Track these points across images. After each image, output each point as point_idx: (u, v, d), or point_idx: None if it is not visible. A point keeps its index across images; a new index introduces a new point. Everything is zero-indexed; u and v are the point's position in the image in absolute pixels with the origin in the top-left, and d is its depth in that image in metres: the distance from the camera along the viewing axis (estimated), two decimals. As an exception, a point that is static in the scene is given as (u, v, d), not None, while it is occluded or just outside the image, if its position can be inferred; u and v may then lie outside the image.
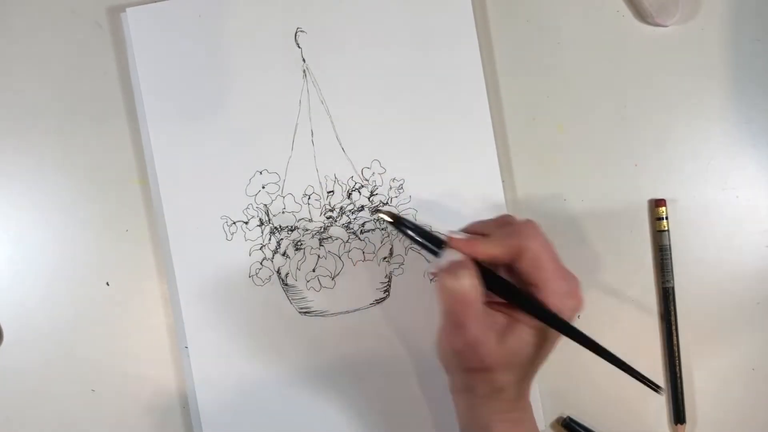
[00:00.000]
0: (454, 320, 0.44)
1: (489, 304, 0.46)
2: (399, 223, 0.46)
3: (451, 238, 0.45)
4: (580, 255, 0.56)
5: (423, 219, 0.55)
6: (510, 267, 0.45)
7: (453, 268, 0.44)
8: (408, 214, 0.55)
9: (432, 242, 0.46)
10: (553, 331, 0.45)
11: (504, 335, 0.45)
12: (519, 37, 0.56)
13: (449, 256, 0.45)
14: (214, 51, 0.55)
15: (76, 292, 0.56)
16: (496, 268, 0.46)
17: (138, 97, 0.55)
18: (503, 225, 0.47)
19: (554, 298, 0.44)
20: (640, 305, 0.56)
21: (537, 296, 0.44)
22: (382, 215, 0.47)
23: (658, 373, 0.56)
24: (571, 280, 0.45)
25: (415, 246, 0.47)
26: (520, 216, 0.49)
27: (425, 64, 0.55)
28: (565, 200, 0.56)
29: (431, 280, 0.54)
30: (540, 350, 0.45)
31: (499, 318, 0.45)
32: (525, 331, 0.45)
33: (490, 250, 0.44)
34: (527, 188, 0.56)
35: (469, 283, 0.43)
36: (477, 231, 0.46)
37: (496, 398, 0.45)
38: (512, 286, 0.45)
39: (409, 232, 0.46)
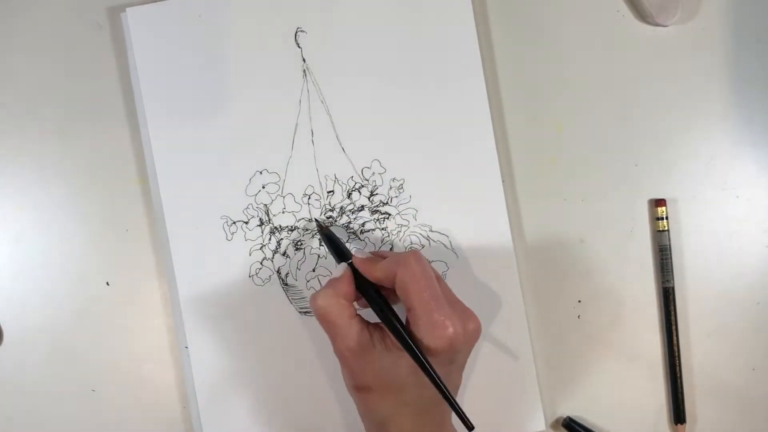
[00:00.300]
0: (327, 334, 0.48)
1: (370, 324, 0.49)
2: (322, 231, 0.52)
3: (354, 255, 0.49)
4: (580, 255, 0.56)
5: (423, 219, 0.55)
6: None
7: (323, 288, 0.48)
8: (408, 214, 0.55)
9: (339, 254, 0.50)
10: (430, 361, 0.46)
11: (379, 354, 0.47)
12: (519, 37, 0.56)
13: (336, 271, 0.49)
14: (214, 51, 0.55)
15: (76, 292, 0.56)
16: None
17: (138, 97, 0.55)
18: (396, 254, 0.49)
19: (420, 326, 0.45)
20: (640, 305, 0.56)
21: (411, 320, 0.46)
22: (317, 221, 0.54)
23: (658, 373, 0.56)
24: (448, 313, 0.45)
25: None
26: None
27: (426, 63, 0.55)
28: (565, 200, 0.56)
29: None
30: (418, 376, 0.46)
31: (375, 337, 0.48)
32: (398, 353, 0.46)
33: (374, 272, 0.48)
34: (527, 188, 0.56)
35: (327, 299, 0.47)
36: (381, 254, 0.50)
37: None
38: (384, 309, 0.47)
39: (329, 243, 0.51)
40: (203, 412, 0.55)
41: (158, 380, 0.56)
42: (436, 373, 0.45)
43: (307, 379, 0.55)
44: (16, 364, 0.56)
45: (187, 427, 0.56)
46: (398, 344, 0.46)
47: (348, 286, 0.48)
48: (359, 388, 0.48)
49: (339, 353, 0.48)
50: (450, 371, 0.47)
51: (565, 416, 0.56)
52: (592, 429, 0.55)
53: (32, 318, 0.56)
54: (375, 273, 0.48)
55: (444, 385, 0.45)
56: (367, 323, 0.48)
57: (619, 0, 0.56)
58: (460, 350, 0.46)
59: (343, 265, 0.49)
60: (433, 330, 0.44)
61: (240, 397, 0.55)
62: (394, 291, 0.47)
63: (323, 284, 0.54)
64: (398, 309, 0.48)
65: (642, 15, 0.56)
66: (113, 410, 0.56)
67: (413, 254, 0.47)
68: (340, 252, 0.50)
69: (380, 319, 0.47)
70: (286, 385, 0.55)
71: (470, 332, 0.47)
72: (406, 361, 0.46)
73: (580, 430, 0.55)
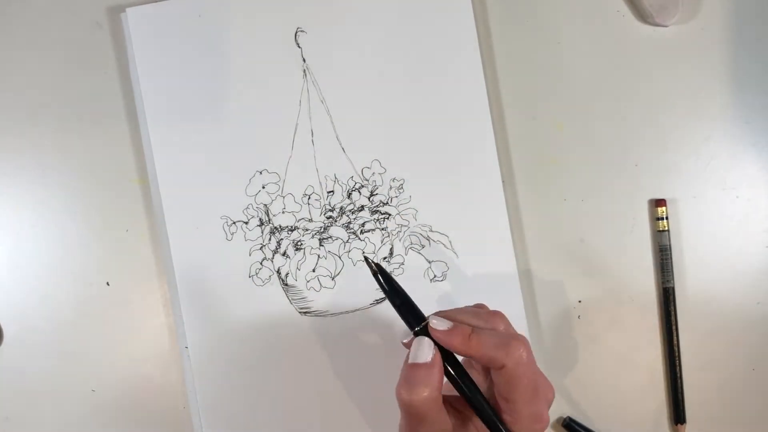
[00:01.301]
0: (408, 424, 0.41)
1: (447, 398, 0.43)
2: (388, 283, 0.43)
3: (430, 326, 0.41)
4: (580, 255, 0.56)
5: (423, 219, 0.55)
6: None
7: (411, 377, 0.40)
8: (408, 214, 0.55)
9: (413, 318, 0.43)
10: None
11: None
12: (519, 37, 0.56)
13: (418, 348, 0.41)
14: (214, 51, 0.55)
15: (76, 292, 0.56)
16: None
17: (138, 97, 0.55)
18: (489, 320, 0.43)
19: (521, 421, 0.41)
20: (640, 305, 0.56)
21: (507, 411, 0.42)
22: (369, 266, 0.44)
23: (658, 373, 0.56)
24: (542, 400, 0.42)
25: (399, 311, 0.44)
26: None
27: (425, 63, 0.55)
28: (565, 200, 0.56)
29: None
30: None
31: (455, 417, 0.43)
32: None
33: (469, 349, 0.41)
34: (527, 188, 0.56)
35: (423, 397, 0.40)
36: (460, 319, 0.43)
37: None
38: (476, 393, 0.42)
39: (396, 300, 0.43)
40: (203, 413, 0.55)
41: (158, 380, 0.56)
42: None
43: (308, 380, 0.55)
44: (16, 364, 0.56)
45: (187, 427, 0.56)
46: (481, 427, 0.43)
47: (442, 375, 0.41)
48: None
49: None
50: None
51: (565, 416, 0.56)
52: (592, 429, 0.55)
53: (32, 318, 0.56)
54: (469, 350, 0.41)
55: None
56: (452, 410, 0.44)
57: (619, 0, 0.56)
58: None
59: (431, 345, 0.41)
60: (532, 425, 0.41)
61: (240, 397, 0.55)
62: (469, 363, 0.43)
63: (323, 284, 0.54)
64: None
65: (642, 15, 0.56)
66: (113, 410, 0.56)
67: (521, 342, 0.41)
68: (414, 313, 0.43)
69: (472, 407, 0.42)
70: (286, 385, 0.55)
71: (550, 404, 0.44)
72: None
73: (580, 430, 0.55)
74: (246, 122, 0.55)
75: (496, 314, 0.44)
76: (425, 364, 0.41)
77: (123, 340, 0.56)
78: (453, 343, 0.41)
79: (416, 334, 0.42)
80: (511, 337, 0.41)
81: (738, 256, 0.56)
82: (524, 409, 0.41)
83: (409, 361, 0.41)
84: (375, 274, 0.43)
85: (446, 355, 0.41)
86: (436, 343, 0.41)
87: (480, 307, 0.47)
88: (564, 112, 0.56)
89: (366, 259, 0.44)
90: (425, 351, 0.41)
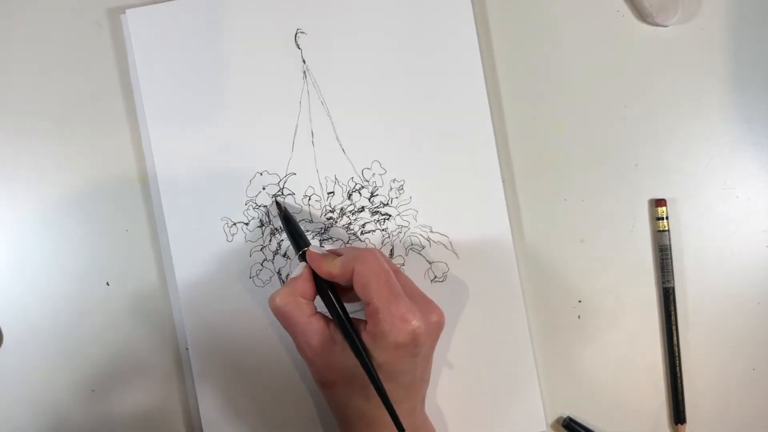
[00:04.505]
0: (289, 333, 0.49)
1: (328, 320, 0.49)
2: (283, 214, 0.52)
3: (307, 250, 0.49)
4: (580, 255, 0.56)
5: (423, 220, 0.55)
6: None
7: (283, 288, 0.48)
8: (408, 215, 0.55)
9: (296, 243, 0.50)
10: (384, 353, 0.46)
11: (344, 351, 0.47)
12: (519, 37, 0.56)
13: (296, 269, 0.49)
14: (214, 52, 0.55)
15: (76, 292, 0.56)
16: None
17: (138, 97, 0.55)
18: (353, 250, 0.49)
19: (381, 321, 0.45)
20: (640, 305, 0.56)
21: (370, 315, 0.46)
22: (277, 201, 0.54)
23: (658, 373, 0.56)
24: (409, 305, 0.46)
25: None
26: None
27: (425, 64, 0.55)
28: (565, 200, 0.56)
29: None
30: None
31: (334, 334, 0.48)
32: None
33: (329, 268, 0.48)
34: (527, 188, 0.56)
35: (282, 298, 0.48)
36: (335, 252, 0.49)
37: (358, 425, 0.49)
38: (334, 307, 0.48)
39: (285, 225, 0.51)
40: (204, 413, 0.55)
41: (158, 380, 0.56)
42: (373, 371, 0.46)
43: (307, 380, 0.55)
44: (16, 364, 0.56)
45: (188, 428, 0.56)
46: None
47: (307, 284, 0.48)
48: (324, 384, 0.49)
49: (301, 351, 0.49)
50: (415, 364, 0.47)
51: (565, 416, 0.56)
52: (592, 429, 0.55)
53: (32, 318, 0.56)
54: (330, 269, 0.48)
55: (380, 384, 0.46)
56: (327, 320, 0.49)
57: (619, 0, 0.56)
58: (424, 342, 0.46)
59: (303, 264, 0.49)
60: (395, 324, 0.45)
61: (240, 398, 0.55)
62: (351, 288, 0.47)
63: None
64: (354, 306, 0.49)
65: (642, 15, 0.56)
66: (113, 410, 0.56)
67: (369, 250, 0.48)
68: (298, 240, 0.51)
69: (331, 315, 0.48)
70: (286, 385, 0.55)
71: (433, 324, 0.47)
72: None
73: (580, 430, 0.55)
74: (246, 123, 0.55)
75: (369, 247, 0.51)
76: (296, 277, 0.49)
77: (123, 340, 0.56)
78: (319, 263, 0.48)
79: (300, 259, 0.50)
80: (362, 250, 0.48)
81: (738, 256, 0.56)
82: (382, 307, 0.45)
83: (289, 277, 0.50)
84: (279, 214, 0.52)
85: (323, 282, 0.49)
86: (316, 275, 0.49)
87: None
88: (564, 112, 0.56)
89: (275, 201, 0.54)
90: (299, 269, 0.49)
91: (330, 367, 0.48)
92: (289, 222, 0.51)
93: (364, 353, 0.46)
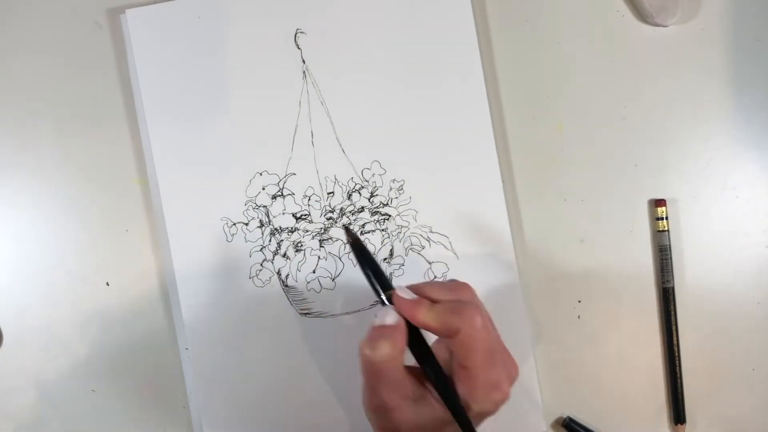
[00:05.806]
0: (368, 383, 0.43)
1: (409, 368, 0.44)
2: (360, 252, 0.44)
3: (395, 294, 0.43)
4: (580, 255, 0.56)
5: (423, 220, 0.55)
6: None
7: (375, 336, 0.42)
8: (408, 215, 0.55)
9: (381, 286, 0.44)
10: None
11: (417, 403, 0.43)
12: (519, 37, 0.56)
13: (385, 314, 0.43)
14: (213, 52, 0.55)
15: (76, 292, 0.56)
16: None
17: (138, 97, 0.55)
18: (454, 290, 0.44)
19: (473, 389, 0.42)
20: (640, 305, 0.56)
21: (464, 380, 0.42)
22: (347, 235, 0.45)
23: (658, 373, 0.56)
24: (501, 370, 0.43)
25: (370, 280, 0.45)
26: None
27: (425, 64, 0.55)
28: (565, 200, 0.56)
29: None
30: (450, 426, 0.43)
31: (415, 385, 0.44)
32: (435, 404, 0.43)
33: (427, 319, 0.42)
34: (527, 188, 0.56)
35: (384, 355, 0.41)
36: (426, 293, 0.43)
37: None
38: (433, 363, 0.43)
39: (365, 268, 0.44)
40: (203, 413, 0.55)
41: (158, 380, 0.56)
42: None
43: (307, 380, 0.55)
44: (16, 364, 0.56)
45: (188, 427, 0.56)
46: (438, 399, 0.43)
47: (403, 336, 0.42)
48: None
49: (378, 403, 0.43)
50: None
51: (565, 416, 0.56)
52: (592, 429, 0.55)
53: (32, 318, 0.56)
54: (427, 321, 0.42)
55: None
56: (415, 373, 0.44)
57: (619, 0, 0.56)
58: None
59: (389, 308, 0.43)
60: (489, 393, 0.42)
61: (240, 398, 0.55)
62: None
63: (324, 285, 0.54)
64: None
65: (642, 15, 0.56)
66: (113, 410, 0.56)
67: (476, 306, 0.42)
68: (383, 280, 0.44)
69: (428, 377, 0.43)
70: (286, 386, 0.55)
71: (513, 381, 0.45)
72: (441, 414, 0.43)
73: (580, 430, 0.55)
74: (246, 123, 0.55)
75: (463, 285, 0.45)
76: (390, 326, 0.42)
77: (123, 340, 0.56)
78: (413, 312, 0.42)
79: (383, 303, 0.43)
80: (466, 303, 0.42)
81: (738, 256, 0.56)
82: (480, 376, 0.42)
83: (375, 323, 0.43)
84: (350, 243, 0.44)
85: (409, 328, 0.43)
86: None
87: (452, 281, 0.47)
88: (564, 113, 0.56)
89: (345, 227, 0.46)
90: (391, 315, 0.42)
91: (404, 420, 0.43)
92: (370, 259, 0.44)
93: (460, 410, 0.42)
